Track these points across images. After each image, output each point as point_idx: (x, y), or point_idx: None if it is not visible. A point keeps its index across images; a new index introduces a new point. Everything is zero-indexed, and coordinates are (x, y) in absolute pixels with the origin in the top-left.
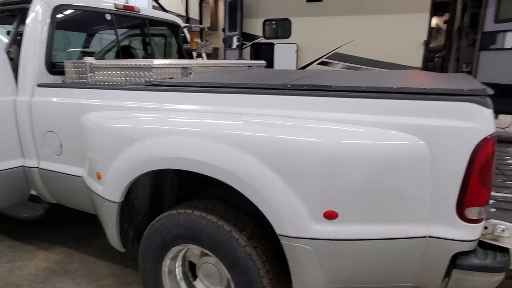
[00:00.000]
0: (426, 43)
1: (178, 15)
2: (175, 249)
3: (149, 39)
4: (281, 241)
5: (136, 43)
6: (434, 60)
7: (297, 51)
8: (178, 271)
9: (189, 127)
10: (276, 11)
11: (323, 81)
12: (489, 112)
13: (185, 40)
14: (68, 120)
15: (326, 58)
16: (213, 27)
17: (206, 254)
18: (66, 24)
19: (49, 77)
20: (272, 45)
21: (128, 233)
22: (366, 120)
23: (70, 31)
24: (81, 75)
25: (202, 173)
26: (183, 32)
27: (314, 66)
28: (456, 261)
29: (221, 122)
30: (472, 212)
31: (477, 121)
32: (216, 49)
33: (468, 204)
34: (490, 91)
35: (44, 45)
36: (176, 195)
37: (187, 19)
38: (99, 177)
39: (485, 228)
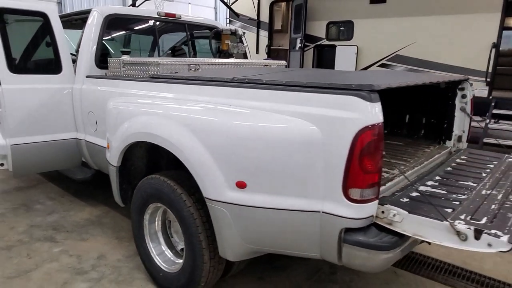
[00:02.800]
0: (496, 46)
1: (249, 19)
2: (151, 206)
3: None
4: (206, 203)
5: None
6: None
7: (357, 53)
8: (157, 225)
9: (154, 109)
10: (340, 13)
11: (268, 76)
12: (371, 105)
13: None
14: (100, 103)
15: (386, 60)
16: (284, 29)
17: None
18: (115, 29)
19: (97, 71)
20: (334, 47)
21: (127, 192)
22: (280, 109)
23: (120, 35)
24: (117, 69)
25: (158, 144)
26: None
27: (374, 69)
28: (343, 236)
29: (173, 106)
30: (354, 192)
31: (359, 112)
32: (285, 51)
33: (350, 185)
34: (376, 87)
35: (95, 45)
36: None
37: (258, 22)
38: (108, 147)
39: (382, 212)
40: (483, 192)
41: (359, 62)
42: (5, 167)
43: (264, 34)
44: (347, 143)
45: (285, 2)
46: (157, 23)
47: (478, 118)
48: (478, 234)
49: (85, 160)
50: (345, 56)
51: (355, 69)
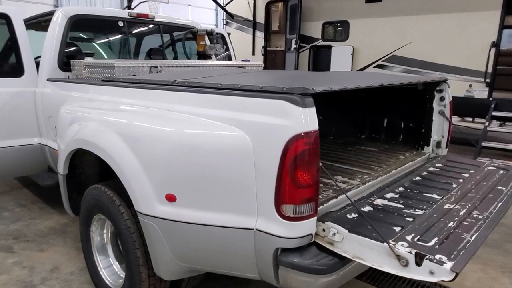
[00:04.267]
0: (496, 45)
1: (245, 20)
2: (95, 217)
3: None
4: (138, 217)
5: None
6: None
7: (352, 54)
8: (106, 237)
9: (91, 114)
10: (335, 13)
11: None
12: (303, 111)
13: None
14: (57, 108)
15: (382, 61)
16: (281, 30)
17: None
18: (79, 30)
19: (61, 73)
20: (330, 47)
21: (77, 202)
22: (210, 114)
23: (87, 36)
24: (79, 72)
25: (92, 151)
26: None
27: (370, 70)
28: (278, 257)
29: (106, 111)
30: (287, 209)
31: (289, 119)
32: (282, 52)
33: (282, 201)
34: (310, 91)
35: (58, 46)
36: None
37: (254, 23)
38: (57, 154)
39: (323, 230)
40: (446, 206)
41: (355, 62)
42: None
43: (260, 35)
44: (277, 153)
45: (282, 3)
46: (130, 24)
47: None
48: (419, 260)
49: (51, 166)
50: (340, 57)
51: (351, 70)
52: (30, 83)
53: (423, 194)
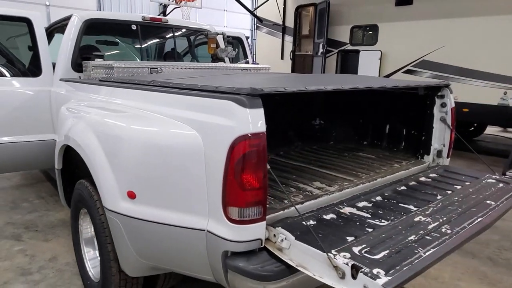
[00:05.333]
0: None
1: (274, 24)
2: (82, 211)
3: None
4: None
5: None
6: None
7: (380, 58)
8: (91, 230)
9: (79, 112)
10: (365, 17)
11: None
12: (249, 112)
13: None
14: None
15: (412, 66)
16: (310, 35)
17: None
18: (96, 33)
19: (74, 74)
20: (358, 52)
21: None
22: (171, 113)
23: (102, 39)
24: (88, 72)
25: (73, 147)
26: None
27: (399, 75)
28: (226, 260)
29: (88, 108)
30: (233, 212)
31: (235, 120)
32: (311, 56)
33: (228, 203)
34: (258, 91)
35: (72, 48)
36: None
37: (283, 28)
38: None
39: (274, 236)
40: (416, 218)
41: (382, 68)
42: None
43: (289, 39)
44: (224, 154)
45: (313, 7)
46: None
47: None
48: (355, 272)
49: None
50: (368, 62)
51: (379, 75)
52: (47, 83)
53: (399, 204)
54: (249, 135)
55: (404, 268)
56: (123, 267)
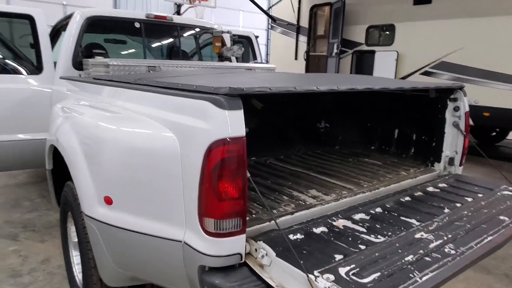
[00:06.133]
0: None
1: (288, 24)
2: (69, 213)
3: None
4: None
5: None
6: None
7: (397, 59)
8: None
9: (66, 111)
10: (381, 16)
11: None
12: (227, 113)
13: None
14: None
15: (430, 67)
16: (326, 35)
17: None
18: (99, 31)
19: (74, 72)
20: (373, 52)
21: None
22: (150, 114)
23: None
24: (87, 70)
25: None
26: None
27: (416, 77)
28: (202, 275)
29: (76, 108)
30: (209, 223)
31: (210, 122)
32: (325, 57)
33: (204, 214)
34: (238, 91)
35: (73, 45)
36: None
37: (298, 28)
38: None
39: (256, 251)
40: (417, 235)
41: (399, 69)
42: None
43: (303, 39)
44: (199, 159)
45: (328, 6)
46: (149, 25)
47: None
48: None
49: None
50: (384, 63)
51: (395, 77)
52: (48, 81)
53: (401, 218)
54: (228, 139)
55: None
56: (102, 276)
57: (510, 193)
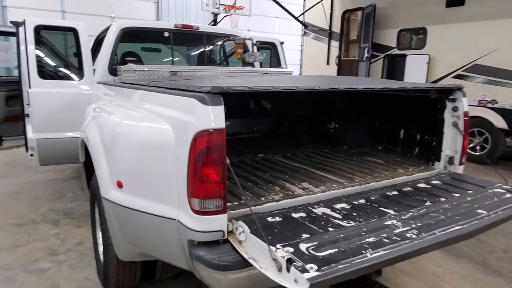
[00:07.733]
0: None
1: (320, 29)
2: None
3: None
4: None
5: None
6: None
7: (428, 63)
8: None
9: (96, 110)
10: (413, 20)
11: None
12: (210, 108)
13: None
14: None
15: (463, 70)
16: (358, 39)
17: None
18: (132, 40)
19: (110, 77)
20: (404, 56)
21: None
22: (155, 111)
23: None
24: (120, 76)
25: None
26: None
27: (449, 81)
28: (190, 249)
29: (102, 108)
30: (195, 203)
31: (196, 116)
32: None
33: (190, 195)
34: (219, 89)
35: (109, 53)
36: None
37: (330, 33)
38: None
39: (237, 229)
40: (387, 222)
41: (430, 72)
42: (34, 157)
43: (335, 45)
44: (187, 148)
45: (360, 11)
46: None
47: None
48: (289, 265)
49: None
50: (415, 67)
51: (426, 81)
52: (88, 86)
53: (380, 208)
54: (210, 130)
55: (340, 266)
56: (116, 251)
57: (502, 190)
